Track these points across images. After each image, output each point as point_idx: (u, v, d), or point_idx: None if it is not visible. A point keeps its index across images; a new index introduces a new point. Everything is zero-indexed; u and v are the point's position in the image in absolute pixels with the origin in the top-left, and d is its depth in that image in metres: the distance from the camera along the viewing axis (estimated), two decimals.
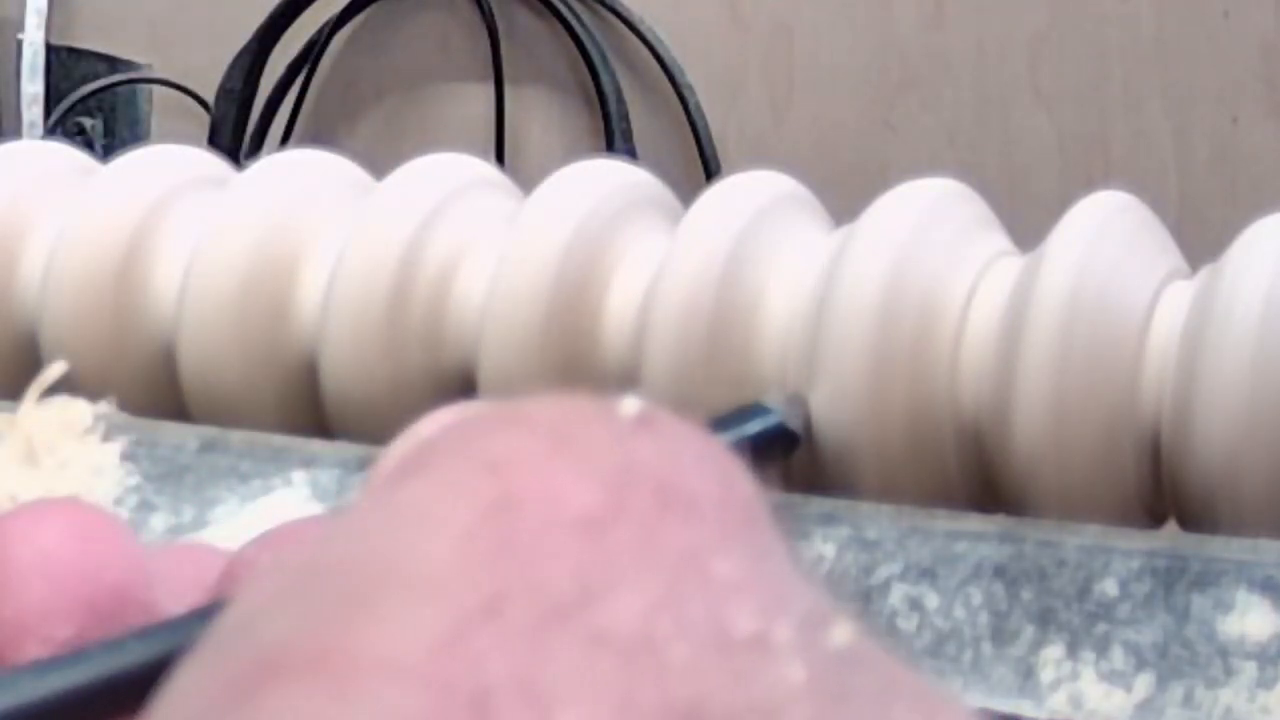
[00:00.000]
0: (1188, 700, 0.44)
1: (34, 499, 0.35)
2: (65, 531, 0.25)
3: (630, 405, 0.22)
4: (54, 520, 0.25)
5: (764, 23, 1.62)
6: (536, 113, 1.66)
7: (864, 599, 0.47)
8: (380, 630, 0.19)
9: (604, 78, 1.61)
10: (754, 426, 0.29)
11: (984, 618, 0.46)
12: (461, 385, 0.58)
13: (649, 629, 0.19)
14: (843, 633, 0.20)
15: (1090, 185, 0.57)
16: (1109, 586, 0.46)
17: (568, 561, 0.19)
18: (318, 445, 0.56)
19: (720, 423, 0.30)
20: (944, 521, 0.49)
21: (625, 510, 0.20)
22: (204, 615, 0.24)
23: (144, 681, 0.24)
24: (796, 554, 0.22)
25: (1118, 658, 0.45)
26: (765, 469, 0.23)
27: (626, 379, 0.56)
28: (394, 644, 0.19)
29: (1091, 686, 0.45)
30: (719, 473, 0.21)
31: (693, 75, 1.62)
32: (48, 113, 1.64)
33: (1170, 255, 0.55)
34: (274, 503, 0.53)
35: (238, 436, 0.55)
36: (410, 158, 0.62)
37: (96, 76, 1.65)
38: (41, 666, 0.23)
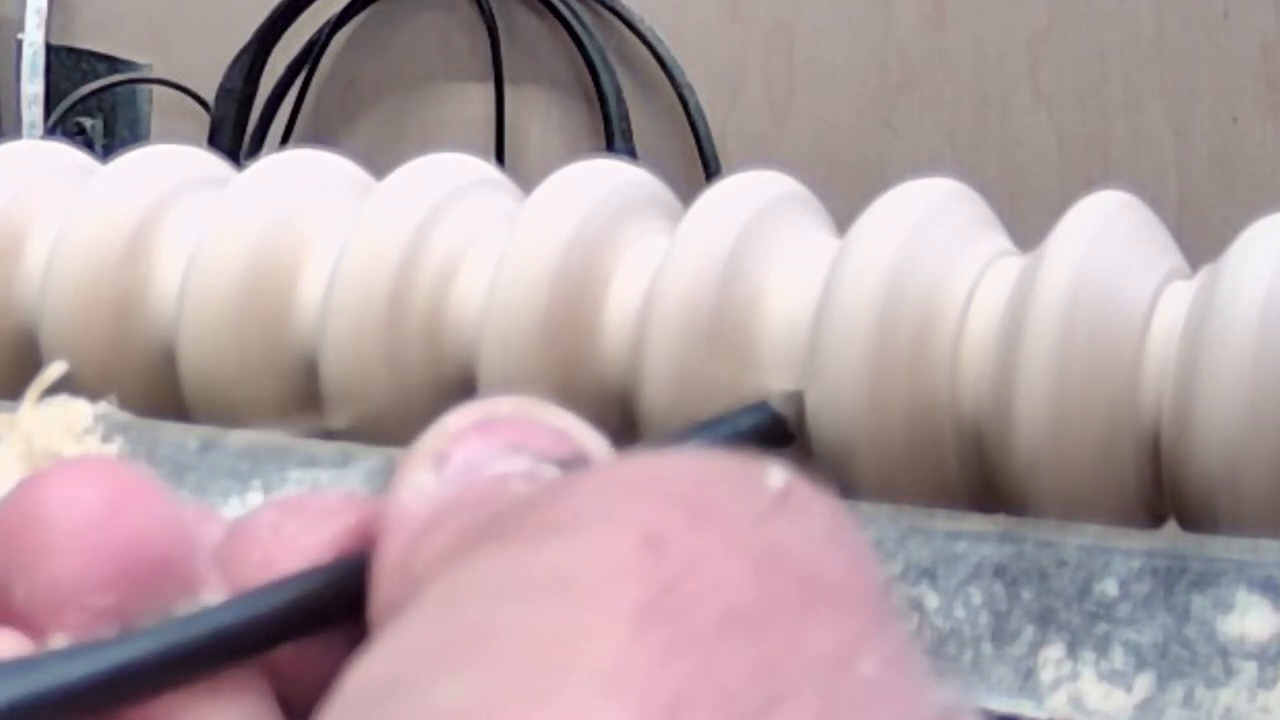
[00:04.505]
0: (1188, 700, 0.44)
1: (71, 457, 0.34)
2: (107, 495, 0.24)
3: (773, 477, 0.22)
4: (96, 483, 0.24)
5: (764, 23, 1.62)
6: (536, 113, 1.66)
7: None
8: None
9: (604, 78, 1.61)
10: (747, 423, 0.29)
11: (984, 618, 0.46)
12: (461, 385, 0.58)
13: None
14: None
15: (1090, 185, 0.57)
16: (1109, 586, 0.46)
17: (738, 663, 0.20)
18: (318, 445, 0.56)
19: (715, 421, 0.30)
20: (944, 521, 0.49)
21: (779, 604, 0.21)
22: (247, 602, 0.24)
23: (183, 666, 0.24)
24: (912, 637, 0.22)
25: (1118, 658, 0.45)
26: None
27: (626, 378, 0.56)
28: None
29: (1091, 686, 0.45)
30: (852, 554, 0.22)
31: (693, 75, 1.62)
32: (48, 113, 1.64)
33: (1170, 255, 0.55)
34: None
35: (238, 436, 0.55)
36: (410, 158, 0.62)
37: (96, 76, 1.65)
38: (81, 649, 0.23)
